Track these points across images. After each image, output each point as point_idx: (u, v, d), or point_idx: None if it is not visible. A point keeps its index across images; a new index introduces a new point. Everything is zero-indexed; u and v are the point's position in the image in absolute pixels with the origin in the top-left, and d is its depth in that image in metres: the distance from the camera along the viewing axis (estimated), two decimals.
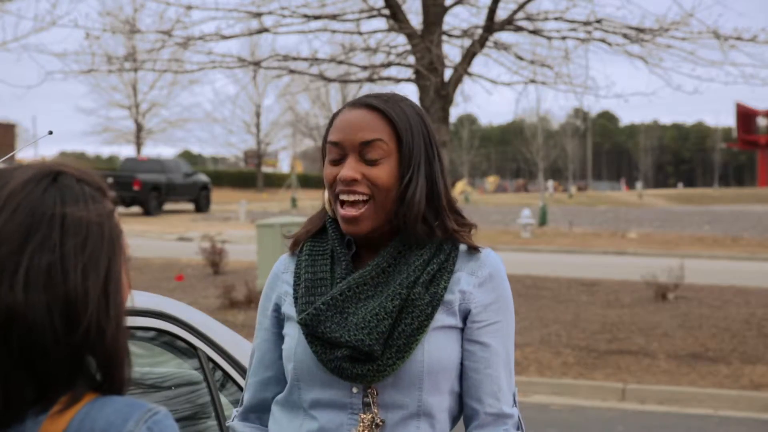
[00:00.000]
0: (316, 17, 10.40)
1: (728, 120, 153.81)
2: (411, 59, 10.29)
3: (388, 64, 10.64)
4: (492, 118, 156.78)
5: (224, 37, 10.43)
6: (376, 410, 1.83)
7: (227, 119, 70.56)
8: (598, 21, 10.27)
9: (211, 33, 10.39)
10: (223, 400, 2.69)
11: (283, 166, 72.21)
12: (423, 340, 1.83)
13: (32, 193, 1.19)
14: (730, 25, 22.53)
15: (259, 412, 2.03)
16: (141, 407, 1.17)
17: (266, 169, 63.51)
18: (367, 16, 10.46)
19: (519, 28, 10.45)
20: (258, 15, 10.36)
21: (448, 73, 10.13)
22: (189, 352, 2.68)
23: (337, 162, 1.89)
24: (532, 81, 10.98)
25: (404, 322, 1.82)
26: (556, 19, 10.42)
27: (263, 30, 10.58)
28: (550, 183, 69.97)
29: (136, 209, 33.44)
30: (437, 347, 1.84)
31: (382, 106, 1.89)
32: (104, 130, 53.85)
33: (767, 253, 20.62)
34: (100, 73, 11.74)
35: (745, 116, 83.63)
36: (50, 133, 2.48)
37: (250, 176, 60.16)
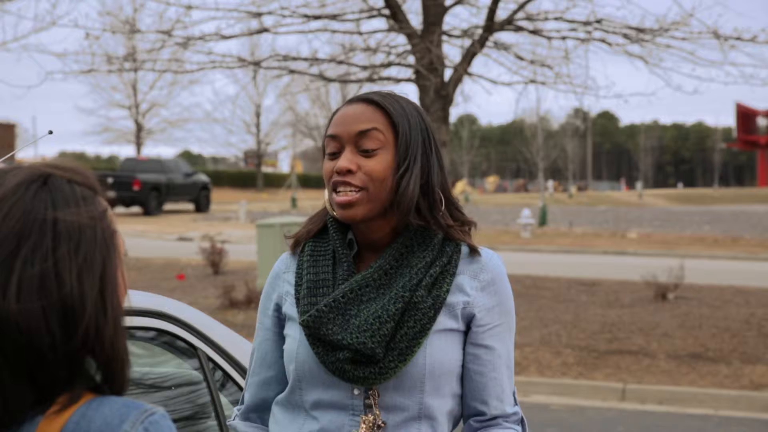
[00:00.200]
0: (316, 17, 10.40)
1: (728, 120, 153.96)
2: (411, 59, 10.29)
3: (388, 64, 10.64)
4: (492, 118, 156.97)
5: (224, 37, 10.44)
6: (377, 412, 1.84)
7: (227, 119, 70.54)
8: (598, 21, 10.26)
9: (211, 33, 10.39)
10: (223, 400, 2.69)
11: (283, 166, 72.27)
12: (425, 343, 1.83)
13: (22, 198, 1.18)
14: (730, 25, 22.54)
15: (260, 411, 2.03)
16: (138, 407, 1.16)
17: (266, 169, 63.50)
18: (367, 16, 10.46)
19: (519, 28, 10.45)
20: (258, 15, 10.36)
21: (448, 73, 10.13)
22: (189, 352, 2.68)
23: (335, 155, 1.90)
24: (532, 81, 10.99)
25: (407, 325, 1.82)
26: (556, 19, 10.42)
27: (263, 30, 10.59)
28: (550, 183, 70.00)
29: (136, 209, 33.43)
30: (439, 350, 1.85)
31: (378, 99, 1.90)
32: (104, 130, 53.87)
33: (767, 253, 20.62)
34: (100, 73, 11.75)
35: (745, 116, 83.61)
36: (50, 133, 2.47)
37: (250, 176, 60.15)
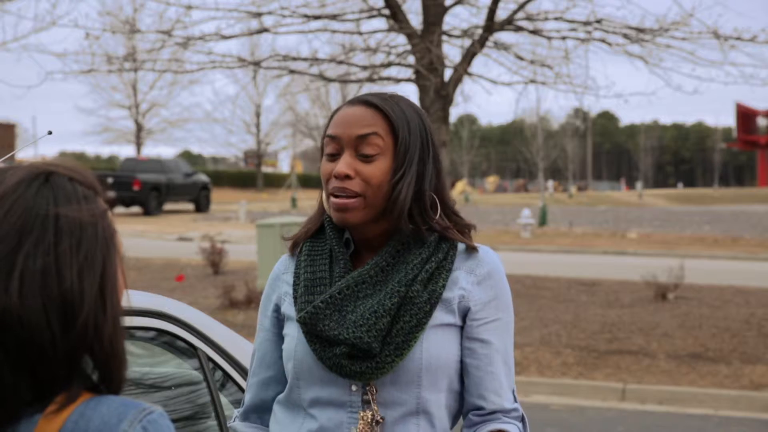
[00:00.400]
0: (316, 17, 10.40)
1: (728, 120, 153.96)
2: (411, 59, 10.29)
3: (388, 64, 10.64)
4: (492, 118, 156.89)
5: (224, 37, 10.44)
6: (375, 408, 1.84)
7: (227, 119, 70.50)
8: (598, 21, 10.27)
9: (211, 33, 10.40)
10: (223, 400, 2.69)
11: (283, 166, 72.26)
12: (421, 337, 1.84)
13: (25, 194, 1.19)
14: (730, 25, 22.52)
15: (259, 412, 2.04)
16: (136, 407, 1.16)
17: (266, 169, 63.49)
18: (367, 16, 10.47)
19: (519, 28, 10.46)
20: (258, 15, 10.36)
21: (448, 73, 10.13)
22: (189, 352, 2.68)
23: (334, 157, 1.90)
24: (532, 81, 10.99)
25: (402, 320, 1.83)
26: (556, 19, 10.42)
27: (263, 30, 10.59)
28: (550, 183, 69.99)
29: (136, 209, 33.43)
30: (435, 345, 1.85)
31: (379, 103, 1.90)
32: (104, 130, 53.87)
33: (767, 253, 20.61)
34: (100, 73, 11.75)
35: (745, 116, 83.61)
36: (50, 133, 2.48)
37: (250, 176, 60.15)
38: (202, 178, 36.61)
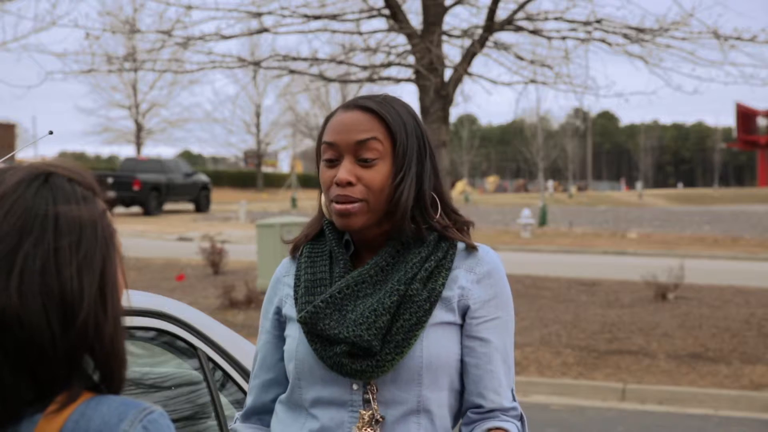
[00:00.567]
0: (316, 17, 10.40)
1: (728, 120, 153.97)
2: (411, 59, 10.29)
3: (388, 64, 10.64)
4: (492, 118, 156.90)
5: (224, 37, 10.44)
6: (375, 407, 1.85)
7: (227, 119, 70.48)
8: (598, 21, 10.27)
9: (211, 33, 10.40)
10: (223, 400, 2.69)
11: (283, 166, 72.27)
12: (421, 336, 1.85)
13: (24, 194, 1.19)
14: (730, 25, 22.51)
15: (260, 414, 2.05)
16: (136, 406, 1.17)
17: (266, 169, 63.50)
18: (367, 16, 10.47)
19: (519, 28, 10.45)
20: (258, 15, 10.36)
21: (448, 73, 10.13)
22: (189, 352, 2.68)
23: (333, 163, 1.91)
24: (532, 81, 10.99)
25: (402, 318, 1.84)
26: (556, 19, 10.42)
27: (263, 30, 10.59)
28: (550, 183, 69.99)
29: (136, 209, 33.43)
30: (435, 343, 1.86)
31: (375, 107, 1.91)
32: (104, 130, 53.86)
33: (767, 253, 20.61)
34: (100, 73, 11.75)
35: (745, 116, 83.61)
36: (50, 133, 2.48)
37: (250, 176, 60.15)
38: (202, 178, 36.61)
